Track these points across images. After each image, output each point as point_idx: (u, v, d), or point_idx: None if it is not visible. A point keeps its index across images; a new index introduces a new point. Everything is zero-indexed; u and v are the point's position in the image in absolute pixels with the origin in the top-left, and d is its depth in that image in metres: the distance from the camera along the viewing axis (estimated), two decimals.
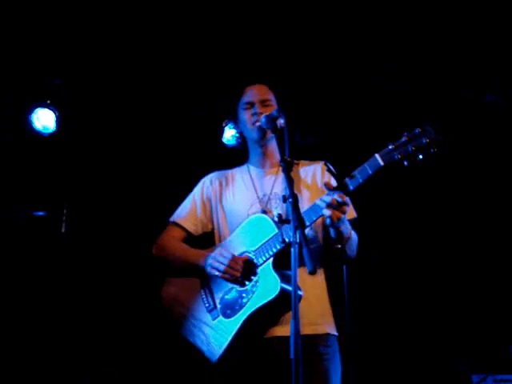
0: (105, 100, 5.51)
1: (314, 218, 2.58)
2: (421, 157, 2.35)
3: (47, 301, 5.37)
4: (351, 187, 2.46)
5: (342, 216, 2.49)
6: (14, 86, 5.29)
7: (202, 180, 3.21)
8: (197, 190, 3.18)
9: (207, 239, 3.12)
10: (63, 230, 5.30)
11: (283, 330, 2.63)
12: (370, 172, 2.42)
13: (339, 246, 2.65)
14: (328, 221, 2.51)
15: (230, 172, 3.21)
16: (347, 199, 2.50)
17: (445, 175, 5.60)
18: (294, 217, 2.27)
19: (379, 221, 5.66)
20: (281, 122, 2.71)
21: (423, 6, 4.62)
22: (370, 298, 5.70)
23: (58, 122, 5.36)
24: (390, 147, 2.41)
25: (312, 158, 3.22)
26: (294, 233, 2.22)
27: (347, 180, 2.47)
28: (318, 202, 2.53)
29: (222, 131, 5.48)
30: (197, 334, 2.81)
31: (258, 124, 2.94)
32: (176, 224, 3.12)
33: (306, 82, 5.39)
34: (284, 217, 2.71)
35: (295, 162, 3.02)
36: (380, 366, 5.54)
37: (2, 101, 5.32)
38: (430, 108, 5.26)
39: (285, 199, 2.38)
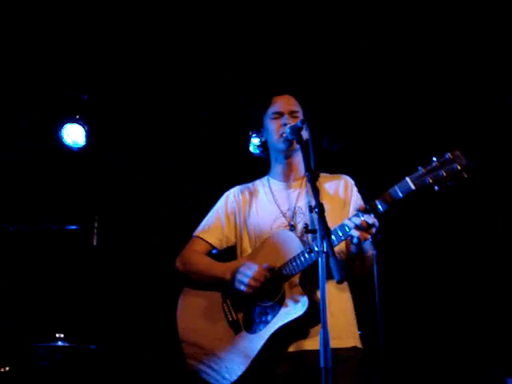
0: (133, 114, 5.58)
1: (343, 238, 2.55)
2: (451, 182, 2.36)
3: (79, 312, 5.46)
4: (382, 209, 2.44)
5: (369, 237, 2.48)
6: (44, 102, 5.40)
7: (226, 194, 3.16)
8: (221, 204, 3.13)
9: (228, 253, 3.09)
10: (95, 243, 5.36)
11: (310, 343, 2.62)
12: (401, 196, 2.41)
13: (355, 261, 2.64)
14: (355, 240, 2.49)
15: (251, 185, 3.17)
16: (376, 221, 2.47)
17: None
18: (320, 226, 2.27)
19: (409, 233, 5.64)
20: (305, 133, 2.71)
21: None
22: (403, 305, 5.65)
23: (88, 136, 5.45)
24: (421, 171, 2.40)
25: (337, 165, 3.21)
26: (321, 242, 2.23)
27: (377, 202, 2.45)
28: (347, 222, 2.51)
29: (248, 140, 5.49)
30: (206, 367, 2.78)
31: (283, 135, 2.91)
32: (201, 238, 3.07)
33: (332, 89, 5.40)
34: (310, 227, 2.69)
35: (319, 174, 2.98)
36: (413, 369, 5.49)
37: (33, 117, 5.43)
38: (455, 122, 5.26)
39: (311, 209, 2.37)
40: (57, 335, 4.71)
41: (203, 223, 3.13)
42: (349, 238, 2.53)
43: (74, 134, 5.43)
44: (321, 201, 2.36)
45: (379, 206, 2.44)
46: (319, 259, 2.22)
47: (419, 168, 2.40)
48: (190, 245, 3.10)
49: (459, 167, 2.33)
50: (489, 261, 5.67)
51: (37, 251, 5.58)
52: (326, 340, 2.11)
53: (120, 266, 5.73)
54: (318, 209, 2.32)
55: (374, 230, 2.47)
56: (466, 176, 2.33)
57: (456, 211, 5.78)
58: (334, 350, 2.58)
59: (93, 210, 5.56)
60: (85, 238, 5.46)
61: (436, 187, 2.37)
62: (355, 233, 2.46)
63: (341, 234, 2.54)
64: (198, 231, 3.10)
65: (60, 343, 4.69)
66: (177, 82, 5.32)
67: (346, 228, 2.51)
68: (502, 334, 5.47)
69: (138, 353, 5.39)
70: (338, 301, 2.76)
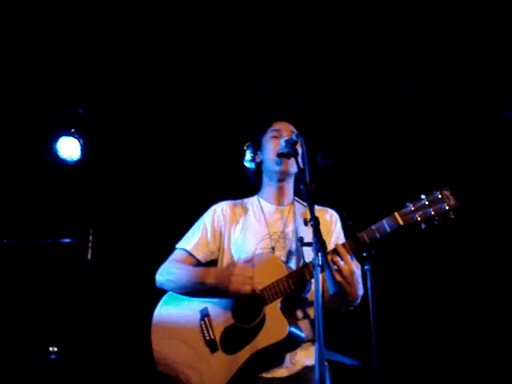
0: (128, 127, 5.59)
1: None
2: (439, 222, 2.42)
3: (73, 326, 5.43)
4: (368, 242, 2.51)
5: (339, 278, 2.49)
6: (39, 116, 5.41)
7: (213, 208, 3.15)
8: (207, 217, 3.11)
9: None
10: (89, 257, 5.35)
11: (283, 371, 2.66)
12: (389, 230, 2.47)
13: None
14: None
15: (240, 202, 3.17)
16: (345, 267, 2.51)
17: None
18: (315, 239, 2.28)
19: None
20: (300, 149, 2.73)
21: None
22: (396, 311, 5.65)
23: (83, 150, 5.45)
24: (410, 208, 2.45)
25: (330, 179, 3.22)
26: (316, 255, 2.24)
27: (365, 235, 2.51)
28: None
29: (243, 154, 5.49)
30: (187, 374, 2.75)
31: (277, 149, 2.93)
32: (185, 251, 3.06)
33: (325, 102, 5.44)
34: (295, 250, 2.73)
35: (303, 204, 3.01)
36: (408, 377, 5.49)
37: (28, 130, 5.44)
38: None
39: (306, 222, 2.39)
40: (50, 349, 4.69)
41: (187, 235, 3.12)
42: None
43: (69, 148, 5.44)
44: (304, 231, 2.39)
45: (366, 239, 2.50)
46: (314, 272, 2.23)
47: (408, 204, 2.47)
48: (173, 257, 3.08)
49: (447, 207, 2.39)
50: (478, 270, 5.68)
51: (31, 264, 5.56)
52: (321, 355, 2.10)
53: (115, 280, 5.71)
54: (313, 222, 2.33)
55: (345, 272, 2.50)
56: (453, 216, 2.39)
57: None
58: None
59: (87, 224, 5.56)
60: (79, 252, 5.45)
61: (423, 225, 2.43)
62: (337, 277, 2.47)
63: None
64: (183, 243, 3.09)
65: (53, 357, 4.67)
66: (172, 96, 5.34)
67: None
68: (492, 347, 5.47)
69: (132, 366, 5.37)
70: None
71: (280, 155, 2.94)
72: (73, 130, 5.44)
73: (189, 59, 5.02)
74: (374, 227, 2.50)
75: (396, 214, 2.46)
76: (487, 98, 5.17)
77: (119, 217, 5.84)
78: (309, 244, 2.45)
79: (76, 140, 5.43)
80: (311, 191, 2.47)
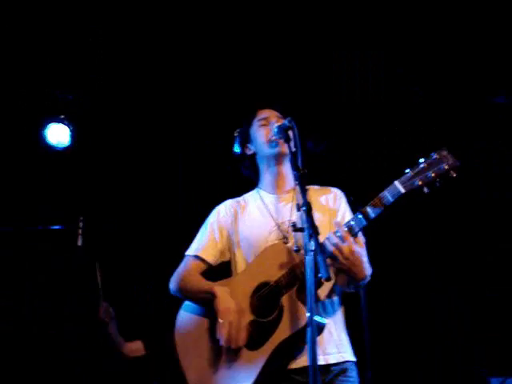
0: (118, 114, 5.57)
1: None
2: (440, 183, 2.37)
3: (64, 314, 5.43)
4: (373, 215, 2.44)
5: (341, 259, 2.44)
6: (28, 102, 5.36)
7: (217, 209, 3.09)
8: (212, 219, 3.05)
9: (223, 270, 3.02)
10: (79, 244, 5.33)
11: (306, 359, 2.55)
12: (392, 200, 2.41)
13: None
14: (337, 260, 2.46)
15: (242, 199, 3.11)
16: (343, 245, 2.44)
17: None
18: (308, 225, 2.27)
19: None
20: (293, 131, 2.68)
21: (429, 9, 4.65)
22: (387, 305, 5.70)
23: (72, 136, 5.42)
24: (409, 174, 2.41)
25: (324, 165, 3.20)
26: (309, 240, 2.23)
27: (368, 209, 2.45)
28: (325, 240, 2.48)
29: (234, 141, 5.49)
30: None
31: (270, 136, 2.91)
32: (194, 257, 2.98)
33: (314, 92, 5.44)
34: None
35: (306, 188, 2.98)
36: (396, 370, 5.54)
37: (17, 116, 5.40)
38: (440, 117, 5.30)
39: (299, 207, 2.37)
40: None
41: (196, 241, 3.04)
42: (329, 259, 2.46)
43: (58, 134, 5.41)
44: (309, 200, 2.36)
45: (370, 213, 2.44)
46: (306, 258, 2.22)
47: (407, 170, 2.42)
48: (183, 265, 3.01)
49: (447, 167, 2.34)
50: (470, 263, 5.74)
51: (21, 252, 5.54)
52: (314, 354, 2.12)
53: (105, 267, 5.70)
54: (306, 207, 2.32)
55: (346, 252, 2.43)
56: (454, 175, 2.35)
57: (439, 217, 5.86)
58: (332, 365, 2.63)
59: (78, 211, 5.54)
60: (70, 239, 5.43)
61: (425, 189, 2.38)
62: (333, 251, 2.44)
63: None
64: (192, 249, 3.02)
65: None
66: (162, 81, 5.32)
67: (326, 247, 2.47)
68: (486, 334, 5.52)
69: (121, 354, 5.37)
70: (333, 316, 2.75)
71: (272, 141, 2.91)
72: (62, 117, 5.40)
73: (178, 52, 5.01)
74: (376, 199, 2.44)
75: (396, 182, 2.42)
76: (481, 83, 5.19)
77: (110, 203, 5.83)
78: (301, 229, 2.42)
79: (66, 126, 5.40)
80: (304, 176, 2.45)
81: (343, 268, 2.47)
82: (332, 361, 2.64)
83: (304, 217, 2.32)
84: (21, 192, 5.56)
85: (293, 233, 2.75)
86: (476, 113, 5.33)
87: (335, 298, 2.78)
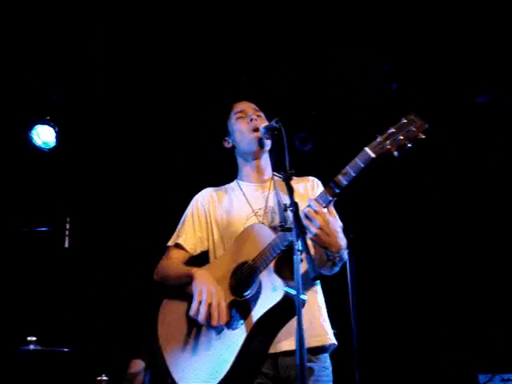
0: (104, 114, 5.54)
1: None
2: (410, 145, 2.36)
3: (51, 315, 5.40)
4: (345, 182, 2.43)
5: (313, 229, 2.44)
6: (14, 103, 5.33)
7: (195, 198, 3.12)
8: (192, 208, 3.09)
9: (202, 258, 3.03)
10: (66, 245, 5.31)
11: (288, 344, 2.59)
12: (362, 165, 2.40)
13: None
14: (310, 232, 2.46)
15: (221, 188, 3.15)
16: (321, 209, 2.45)
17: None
18: (295, 224, 2.27)
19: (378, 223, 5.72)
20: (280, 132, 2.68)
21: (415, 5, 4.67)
22: (375, 300, 5.72)
23: (58, 137, 5.39)
24: (379, 139, 2.41)
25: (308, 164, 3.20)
26: (296, 240, 2.23)
27: (340, 177, 2.44)
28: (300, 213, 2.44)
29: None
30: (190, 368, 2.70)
31: (257, 135, 2.91)
32: (175, 246, 3.02)
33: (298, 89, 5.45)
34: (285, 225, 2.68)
35: (281, 177, 2.90)
36: (386, 366, 5.56)
37: (2, 118, 5.36)
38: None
39: (286, 208, 2.38)
40: (28, 338, 4.65)
41: (176, 231, 3.08)
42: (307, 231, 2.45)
43: (44, 135, 5.38)
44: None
45: (342, 180, 2.43)
46: (294, 257, 2.22)
47: (377, 136, 2.42)
48: (165, 255, 3.05)
49: (414, 129, 2.35)
50: (459, 259, 5.77)
51: (7, 254, 5.50)
52: (301, 337, 2.10)
53: (92, 268, 5.69)
54: (293, 207, 2.32)
55: (319, 222, 2.44)
56: (423, 137, 2.35)
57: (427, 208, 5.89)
58: (315, 347, 2.64)
59: (64, 212, 5.52)
60: (56, 240, 5.41)
61: (396, 152, 2.38)
62: (306, 222, 2.44)
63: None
64: (172, 239, 3.06)
65: (32, 347, 4.62)
66: (149, 81, 5.30)
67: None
68: (474, 331, 5.56)
69: (110, 355, 5.36)
70: (314, 297, 2.76)
71: (259, 140, 2.93)
72: (48, 118, 5.37)
73: (165, 52, 5.00)
74: (347, 167, 2.43)
75: (366, 148, 2.42)
76: (463, 82, 5.23)
77: (96, 205, 5.81)
78: (288, 229, 2.45)
79: (51, 128, 5.37)
80: (291, 177, 2.45)
81: (318, 240, 2.48)
82: (315, 344, 2.65)
83: (290, 217, 2.32)
84: (6, 194, 5.52)
85: (274, 217, 2.81)
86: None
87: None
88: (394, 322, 5.78)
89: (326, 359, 2.73)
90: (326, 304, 2.85)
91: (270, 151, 3.06)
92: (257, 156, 3.04)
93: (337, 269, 2.72)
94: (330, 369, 2.74)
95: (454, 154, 5.48)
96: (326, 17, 4.82)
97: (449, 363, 5.56)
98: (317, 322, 2.72)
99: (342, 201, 2.59)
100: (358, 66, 5.11)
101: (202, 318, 2.61)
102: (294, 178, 2.95)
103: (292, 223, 2.31)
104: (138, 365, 4.67)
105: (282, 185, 2.69)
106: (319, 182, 3.03)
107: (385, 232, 5.90)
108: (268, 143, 2.97)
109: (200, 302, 2.62)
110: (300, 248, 2.22)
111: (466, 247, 5.75)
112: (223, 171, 3.19)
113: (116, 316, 5.55)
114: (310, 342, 2.56)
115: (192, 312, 2.64)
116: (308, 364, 2.59)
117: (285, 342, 2.61)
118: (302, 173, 3.03)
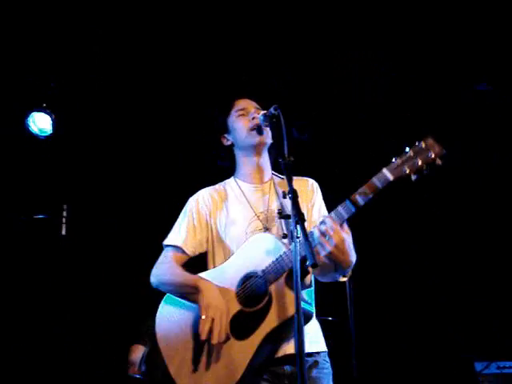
0: (101, 101, 5.51)
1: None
2: (427, 171, 2.38)
3: (47, 302, 5.41)
4: (362, 203, 2.42)
5: (329, 247, 2.40)
6: (10, 91, 5.30)
7: (194, 198, 3.03)
8: (191, 208, 2.99)
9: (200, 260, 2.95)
10: (63, 233, 5.31)
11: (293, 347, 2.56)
12: (380, 187, 2.41)
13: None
14: (324, 250, 2.42)
15: (219, 187, 3.07)
16: (336, 228, 2.42)
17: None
18: (294, 212, 2.27)
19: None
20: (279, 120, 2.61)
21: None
22: (371, 290, 5.74)
23: (55, 124, 5.37)
24: (397, 161, 2.41)
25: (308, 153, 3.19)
26: (295, 227, 2.22)
27: (357, 197, 2.42)
28: (314, 229, 2.46)
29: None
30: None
31: (255, 122, 2.87)
32: (174, 247, 2.92)
33: (301, 79, 5.43)
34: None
35: (281, 177, 2.96)
36: (382, 353, 5.59)
37: None
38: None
39: (285, 194, 2.37)
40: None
41: (174, 231, 2.98)
42: (318, 247, 2.44)
43: (40, 122, 5.36)
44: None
45: (360, 200, 2.43)
46: (293, 245, 2.22)
47: (394, 158, 2.42)
48: (164, 256, 2.95)
49: (433, 155, 2.36)
50: (455, 250, 5.79)
51: (4, 241, 5.50)
52: (301, 339, 2.11)
53: (89, 255, 5.69)
54: (292, 195, 2.31)
55: (335, 240, 2.40)
56: (440, 163, 2.36)
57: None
58: (314, 353, 2.66)
59: (61, 200, 5.51)
60: (53, 228, 5.40)
61: (413, 176, 2.39)
62: (321, 240, 2.42)
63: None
64: (171, 239, 2.96)
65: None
66: (145, 71, 5.28)
67: (314, 236, 2.45)
68: (470, 319, 5.58)
69: (106, 343, 5.38)
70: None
71: (258, 127, 2.89)
72: (44, 105, 5.34)
73: (161, 42, 4.99)
74: (365, 187, 2.43)
75: (384, 169, 2.42)
76: (463, 71, 5.22)
77: (93, 192, 5.79)
78: (287, 216, 2.44)
79: (47, 115, 5.34)
80: (290, 164, 2.44)
81: (332, 257, 2.45)
82: (314, 349, 2.66)
83: (291, 204, 2.31)
84: (3, 181, 5.51)
85: (277, 221, 2.77)
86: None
87: (313, 288, 2.79)
88: (391, 309, 5.80)
89: (325, 355, 2.75)
90: (324, 293, 2.86)
91: (270, 151, 3.02)
92: (257, 151, 2.98)
93: (340, 278, 2.75)
94: (329, 363, 2.76)
95: (454, 153, 5.47)
96: (326, 17, 4.80)
97: (445, 351, 5.59)
98: (314, 330, 2.75)
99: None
100: (358, 65, 5.10)
101: (204, 335, 2.56)
102: (294, 177, 2.96)
103: (291, 210, 2.29)
104: (140, 350, 4.67)
105: (282, 186, 2.70)
106: (318, 187, 3.00)
107: (382, 228, 5.91)
108: (267, 135, 2.92)
109: (205, 318, 2.57)
110: (298, 235, 2.23)
111: (463, 238, 5.77)
112: (223, 171, 3.14)
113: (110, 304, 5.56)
114: (308, 347, 2.53)
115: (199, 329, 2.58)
116: (311, 359, 2.65)
117: (290, 345, 2.60)
118: (300, 165, 3.00)
